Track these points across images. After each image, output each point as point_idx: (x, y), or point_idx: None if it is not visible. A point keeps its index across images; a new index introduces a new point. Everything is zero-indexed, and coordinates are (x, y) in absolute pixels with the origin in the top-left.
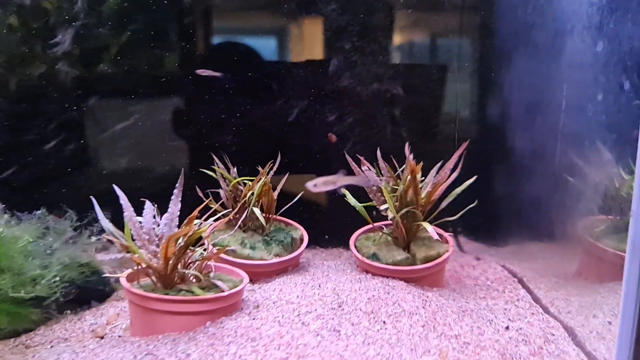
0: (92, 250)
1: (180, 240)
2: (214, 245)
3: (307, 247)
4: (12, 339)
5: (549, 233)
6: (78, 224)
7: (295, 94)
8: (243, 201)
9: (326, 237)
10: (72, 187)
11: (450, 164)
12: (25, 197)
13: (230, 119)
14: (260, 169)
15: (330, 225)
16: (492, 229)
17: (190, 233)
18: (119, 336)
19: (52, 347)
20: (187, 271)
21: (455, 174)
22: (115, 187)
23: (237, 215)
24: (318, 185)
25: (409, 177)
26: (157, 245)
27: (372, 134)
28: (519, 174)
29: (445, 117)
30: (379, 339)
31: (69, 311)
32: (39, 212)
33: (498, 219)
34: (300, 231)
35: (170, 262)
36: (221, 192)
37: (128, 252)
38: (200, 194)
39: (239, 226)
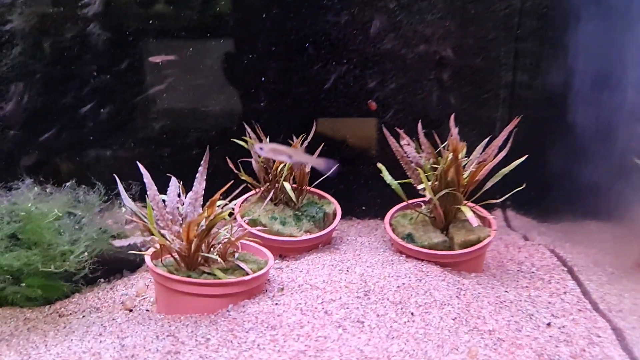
0: (122, 221)
1: (202, 223)
2: (242, 216)
3: (343, 218)
4: (47, 306)
5: (609, 214)
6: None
7: (334, 58)
8: (274, 173)
9: (363, 208)
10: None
11: (499, 140)
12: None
13: (263, 84)
14: (294, 138)
15: (368, 196)
16: (545, 204)
17: (211, 217)
18: (147, 310)
19: (83, 317)
20: (209, 255)
21: (503, 153)
22: (139, 164)
23: (269, 188)
24: (265, 150)
25: (450, 156)
26: (181, 225)
27: (416, 100)
28: (579, 152)
29: (500, 81)
30: (404, 333)
31: (102, 280)
32: (68, 184)
33: (552, 194)
34: (333, 205)
35: (193, 244)
36: (253, 163)
37: (150, 233)
38: (231, 166)
39: (271, 199)
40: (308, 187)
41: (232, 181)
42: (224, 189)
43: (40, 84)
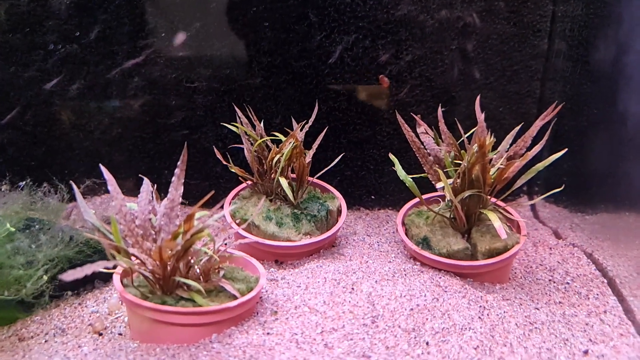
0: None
1: (179, 239)
2: (233, 215)
3: (350, 208)
4: (6, 327)
5: None
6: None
7: (339, 27)
8: (269, 164)
9: (372, 197)
10: (79, 134)
11: (532, 130)
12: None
13: (257, 57)
14: (293, 120)
15: (378, 183)
16: (580, 191)
17: (188, 235)
18: (119, 333)
19: (46, 341)
20: (186, 281)
21: (538, 147)
22: (102, 168)
23: (263, 182)
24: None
25: (476, 151)
26: (154, 241)
27: (435, 74)
28: (623, 139)
29: (533, 50)
30: None
31: (69, 292)
32: (22, 183)
33: (588, 182)
34: (338, 201)
35: (168, 265)
36: (245, 152)
37: (118, 252)
38: (219, 156)
39: (265, 194)
40: (310, 178)
41: (212, 192)
42: (202, 200)
43: None
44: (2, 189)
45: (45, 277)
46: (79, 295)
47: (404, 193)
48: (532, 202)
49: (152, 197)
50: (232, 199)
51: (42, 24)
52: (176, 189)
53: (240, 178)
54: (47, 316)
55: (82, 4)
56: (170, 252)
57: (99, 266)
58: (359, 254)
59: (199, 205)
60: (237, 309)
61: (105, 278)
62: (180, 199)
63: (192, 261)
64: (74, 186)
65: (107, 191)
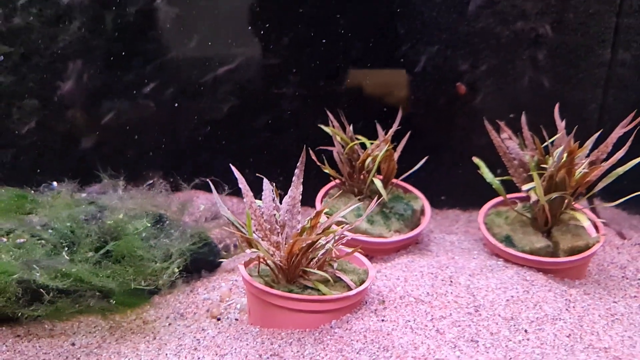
0: (202, 220)
1: (304, 235)
2: (327, 214)
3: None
4: (128, 311)
5: None
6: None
7: (423, 38)
8: (360, 166)
9: (442, 198)
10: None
11: (613, 137)
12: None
13: (345, 65)
14: (379, 128)
15: (448, 184)
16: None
17: (318, 230)
18: (235, 319)
19: (170, 324)
20: (310, 269)
21: (621, 153)
22: (233, 168)
23: (353, 182)
24: None
25: (565, 157)
26: (279, 234)
27: (506, 82)
28: None
29: (597, 59)
30: (521, 353)
31: (180, 281)
32: (149, 183)
33: None
34: (421, 201)
35: (294, 258)
36: (335, 153)
37: (250, 245)
38: (313, 157)
39: (354, 193)
40: (395, 180)
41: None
42: (325, 206)
43: (101, 61)
44: (120, 185)
45: (176, 270)
46: (189, 283)
47: (470, 195)
48: (612, 204)
49: (274, 194)
50: (323, 197)
51: (144, 33)
52: (297, 187)
53: (331, 177)
54: (163, 301)
55: (182, 15)
56: (301, 245)
57: (247, 256)
58: (443, 250)
59: (325, 206)
60: (355, 297)
61: (210, 268)
62: (300, 196)
63: (312, 254)
64: (212, 185)
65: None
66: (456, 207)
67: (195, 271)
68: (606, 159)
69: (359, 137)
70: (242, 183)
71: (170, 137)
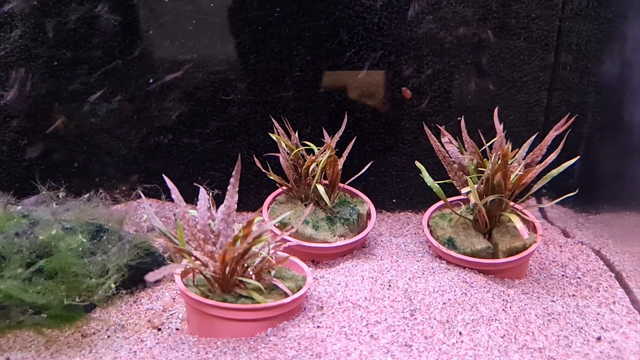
0: (144, 230)
1: (237, 244)
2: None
3: None
4: (67, 324)
5: None
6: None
7: (367, 44)
8: (305, 172)
9: (394, 200)
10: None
11: (547, 140)
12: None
13: (290, 72)
14: (325, 133)
15: (399, 188)
16: (583, 193)
17: (249, 239)
18: (177, 329)
19: (108, 337)
20: (246, 280)
21: (554, 155)
22: (166, 178)
23: (299, 188)
24: None
25: (499, 161)
26: (213, 244)
27: (453, 86)
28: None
29: (541, 63)
30: (453, 356)
31: (124, 291)
32: (86, 195)
33: (592, 183)
34: (367, 205)
35: (228, 267)
36: (280, 159)
37: (182, 256)
38: (259, 164)
39: (300, 199)
40: (341, 185)
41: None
42: (260, 209)
43: (45, 69)
44: (60, 197)
45: (113, 286)
46: (133, 293)
47: (422, 197)
48: (549, 204)
49: (209, 203)
50: (269, 204)
51: (88, 40)
52: (232, 196)
53: (277, 184)
54: (105, 313)
55: (126, 22)
56: (232, 254)
57: (174, 269)
58: (388, 253)
59: (257, 212)
60: (290, 305)
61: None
62: (236, 205)
63: (247, 262)
64: (142, 194)
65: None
66: (408, 209)
67: (140, 281)
68: (541, 161)
69: (307, 142)
70: (175, 193)
71: (119, 144)
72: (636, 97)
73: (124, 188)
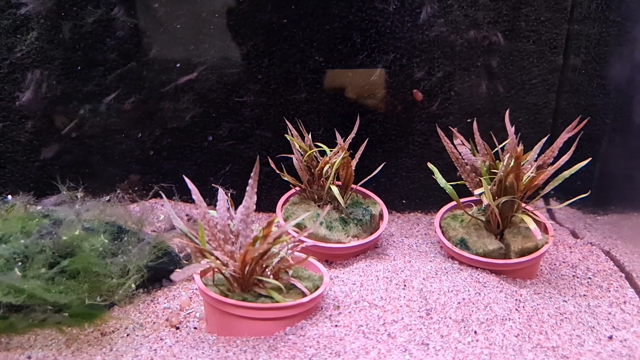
0: (161, 230)
1: (257, 244)
2: (285, 220)
3: None
4: (86, 322)
5: None
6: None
7: (379, 47)
8: (319, 173)
9: (403, 201)
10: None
11: (559, 142)
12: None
13: (303, 74)
14: (336, 132)
15: (409, 189)
16: (591, 194)
17: (269, 240)
18: (195, 327)
19: (128, 335)
20: (264, 278)
21: (566, 157)
22: (187, 179)
23: (312, 189)
24: None
25: (512, 162)
26: (233, 244)
27: (463, 89)
28: (634, 150)
29: (549, 65)
30: (469, 354)
31: (141, 290)
32: (106, 197)
33: (599, 184)
34: (379, 206)
35: (248, 267)
36: (294, 160)
37: (204, 256)
38: (273, 165)
39: (314, 200)
40: (354, 186)
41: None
42: (278, 210)
43: (60, 70)
44: (78, 197)
45: (133, 286)
46: (150, 292)
47: (431, 198)
48: (560, 205)
49: (228, 204)
50: (283, 205)
51: (104, 43)
52: (250, 197)
53: (291, 185)
54: (123, 312)
55: (141, 25)
56: (252, 254)
57: (198, 268)
58: (401, 254)
59: (277, 214)
60: (309, 304)
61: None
62: (254, 206)
63: (266, 262)
64: (164, 196)
65: (155, 197)
66: (417, 210)
67: (156, 280)
68: (552, 163)
69: (320, 144)
70: (196, 194)
71: (133, 145)
72: None
73: (136, 188)
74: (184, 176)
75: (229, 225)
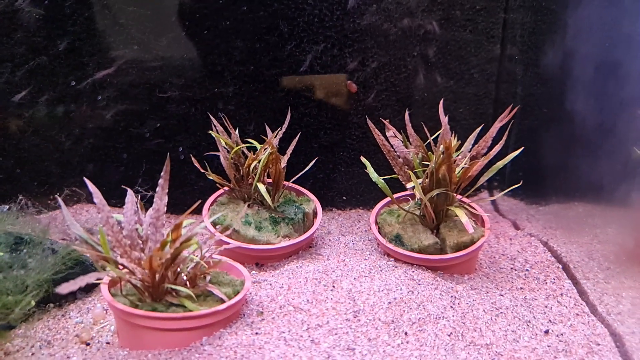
0: (72, 236)
1: (167, 249)
2: (214, 224)
3: (323, 209)
4: None
5: (601, 195)
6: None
7: (309, 37)
8: (246, 171)
9: (344, 198)
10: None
11: (492, 132)
12: None
13: (230, 66)
14: (267, 128)
15: (348, 184)
16: (534, 184)
17: (177, 244)
18: (107, 342)
19: (33, 354)
20: (177, 287)
21: (498, 147)
22: (87, 181)
23: (241, 187)
24: None
25: (442, 154)
26: (142, 250)
27: (400, 79)
28: (571, 138)
29: (487, 55)
30: (398, 357)
31: (52, 304)
32: (5, 207)
33: (541, 174)
34: (313, 203)
35: (157, 273)
36: (221, 159)
37: (107, 262)
38: (196, 164)
39: (243, 199)
40: (285, 183)
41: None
42: (189, 210)
43: None
44: None
45: (32, 303)
46: (62, 307)
47: (373, 193)
48: (493, 197)
49: (137, 207)
50: (210, 205)
51: (10, 37)
52: (161, 198)
53: (217, 185)
54: (31, 329)
55: (50, 16)
56: (160, 260)
57: (92, 278)
58: (335, 253)
59: (186, 214)
60: (226, 312)
61: (87, 288)
62: (165, 208)
63: (179, 268)
64: (60, 200)
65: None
66: (359, 206)
67: (69, 293)
68: (486, 154)
69: (250, 140)
70: (97, 196)
71: (51, 147)
72: (577, 88)
73: (58, 194)
74: (84, 179)
75: (137, 230)
